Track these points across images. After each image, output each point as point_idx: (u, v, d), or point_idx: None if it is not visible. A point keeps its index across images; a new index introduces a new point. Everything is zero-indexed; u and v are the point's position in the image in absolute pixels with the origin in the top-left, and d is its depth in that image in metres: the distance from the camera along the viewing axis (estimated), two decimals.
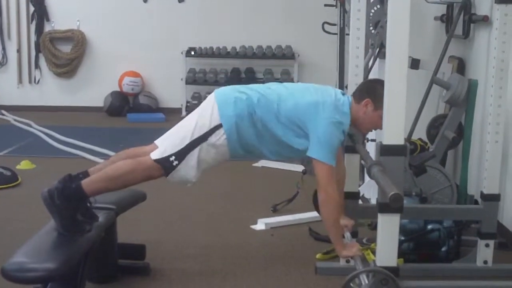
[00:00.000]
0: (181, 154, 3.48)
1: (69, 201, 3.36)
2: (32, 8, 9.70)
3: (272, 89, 3.64)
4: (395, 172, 2.83)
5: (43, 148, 7.29)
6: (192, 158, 3.49)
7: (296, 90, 3.65)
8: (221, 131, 3.50)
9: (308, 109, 3.51)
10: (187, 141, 3.49)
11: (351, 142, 3.76)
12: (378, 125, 3.56)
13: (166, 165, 3.48)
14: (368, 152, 3.54)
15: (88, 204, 3.47)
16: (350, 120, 3.55)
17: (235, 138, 3.53)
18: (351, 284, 3.06)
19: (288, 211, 5.02)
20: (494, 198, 3.77)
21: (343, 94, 3.65)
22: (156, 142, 3.62)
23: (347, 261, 3.86)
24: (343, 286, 3.04)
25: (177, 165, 3.48)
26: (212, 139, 3.50)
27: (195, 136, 3.49)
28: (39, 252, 3.14)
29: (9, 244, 3.78)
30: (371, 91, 3.55)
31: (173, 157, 3.48)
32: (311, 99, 3.54)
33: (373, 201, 4.55)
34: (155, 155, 3.50)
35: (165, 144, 3.54)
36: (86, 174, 3.51)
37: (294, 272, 3.98)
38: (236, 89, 3.65)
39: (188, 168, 3.50)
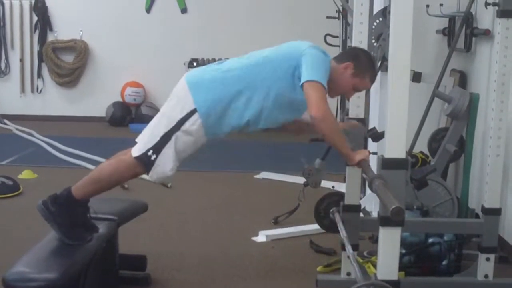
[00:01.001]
0: (158, 147, 3.39)
1: (63, 207, 3.39)
2: (35, 18, 9.73)
3: (251, 57, 3.56)
4: (396, 185, 2.82)
5: (45, 158, 7.30)
6: (169, 149, 3.38)
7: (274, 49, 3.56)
8: (195, 116, 3.37)
9: (293, 52, 3.41)
10: (161, 133, 3.40)
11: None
12: (348, 94, 3.55)
13: (145, 161, 3.40)
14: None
15: (88, 215, 3.48)
16: None
17: (213, 121, 3.39)
18: None
19: (289, 223, 5.02)
20: (495, 212, 3.76)
21: None
22: (137, 139, 3.55)
23: (348, 274, 3.85)
24: None
25: (155, 159, 3.39)
26: (187, 125, 3.37)
27: (170, 126, 3.39)
28: (40, 262, 3.14)
29: (10, 253, 3.78)
30: (356, 58, 3.46)
31: (151, 151, 3.40)
32: (292, 45, 3.49)
33: (374, 214, 4.55)
34: (135, 151, 3.45)
35: (143, 139, 3.47)
36: None
37: (295, 284, 3.98)
38: (210, 69, 3.53)
39: (166, 161, 3.40)
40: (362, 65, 3.43)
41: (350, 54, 3.54)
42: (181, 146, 3.41)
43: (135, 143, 3.52)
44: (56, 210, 3.38)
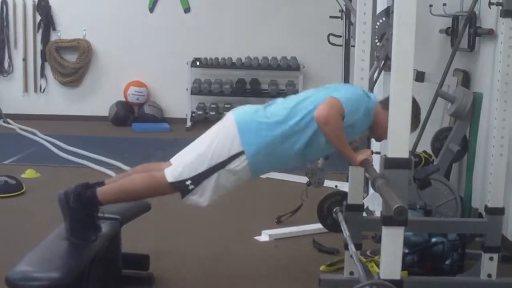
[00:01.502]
0: (198, 179, 3.39)
1: (82, 206, 3.39)
2: (38, 17, 9.74)
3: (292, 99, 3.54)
4: (399, 185, 2.82)
5: (48, 157, 7.31)
6: (209, 183, 3.39)
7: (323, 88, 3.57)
8: (242, 157, 3.37)
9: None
10: (204, 167, 3.38)
11: None
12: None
13: (181, 188, 3.41)
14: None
15: (95, 214, 3.48)
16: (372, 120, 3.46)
17: (260, 160, 3.41)
18: None
19: (292, 222, 5.01)
20: (498, 212, 3.76)
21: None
22: (172, 160, 3.53)
23: (351, 273, 3.85)
24: None
25: (193, 189, 3.40)
26: (232, 165, 3.38)
27: (213, 163, 3.37)
28: (43, 261, 3.15)
29: (13, 252, 3.79)
30: None
31: (189, 181, 3.39)
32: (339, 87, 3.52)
33: (378, 214, 4.55)
34: (170, 176, 3.41)
35: (182, 166, 3.43)
36: (102, 184, 3.53)
37: (298, 283, 3.98)
38: (256, 111, 3.50)
39: (204, 193, 3.42)
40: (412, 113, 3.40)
41: None
42: (223, 182, 3.43)
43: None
44: (75, 207, 3.38)
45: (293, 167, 3.64)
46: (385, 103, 3.44)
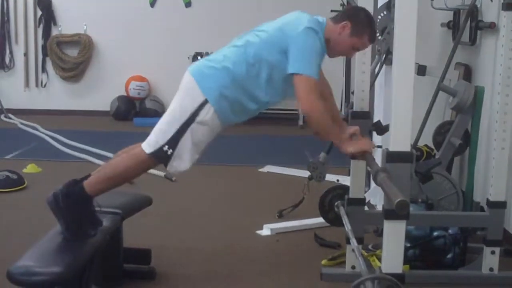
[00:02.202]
0: (173, 141, 3.39)
1: (74, 204, 3.37)
2: (39, 12, 9.73)
3: (245, 38, 3.58)
4: (401, 179, 2.82)
5: (49, 152, 7.31)
6: (185, 142, 3.39)
7: (268, 24, 3.59)
8: (207, 106, 3.39)
9: (284, 29, 3.41)
10: (176, 127, 3.40)
11: None
12: (348, 53, 3.54)
13: (161, 156, 3.41)
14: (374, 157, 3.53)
15: (92, 209, 3.47)
16: (324, 38, 3.41)
17: (225, 106, 3.42)
18: None
19: (294, 216, 5.01)
20: (500, 205, 3.76)
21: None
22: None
23: (353, 268, 3.85)
24: None
25: (172, 153, 3.39)
26: (201, 116, 3.39)
27: (183, 120, 3.39)
28: (45, 256, 3.15)
29: (15, 247, 3.79)
30: (354, 16, 3.44)
31: (166, 146, 3.39)
32: (285, 20, 3.48)
33: (379, 207, 4.55)
34: (147, 147, 3.43)
35: (155, 135, 3.45)
36: (88, 177, 3.51)
37: (300, 278, 3.98)
38: (209, 59, 3.56)
39: (184, 154, 3.41)
40: (360, 24, 3.39)
41: (347, 13, 3.51)
42: (198, 137, 3.42)
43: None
44: (66, 206, 3.35)
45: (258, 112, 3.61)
46: (336, 17, 3.50)
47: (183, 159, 3.42)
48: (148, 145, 3.44)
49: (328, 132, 3.40)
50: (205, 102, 3.39)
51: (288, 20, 3.47)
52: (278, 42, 3.39)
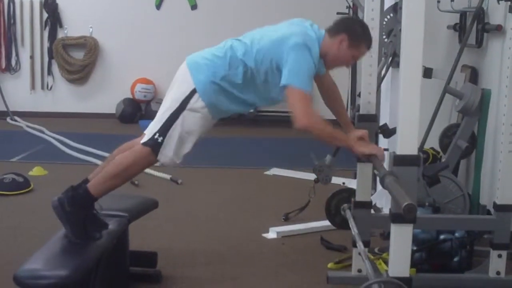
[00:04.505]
0: (164, 129, 3.42)
1: (79, 208, 3.37)
2: (45, 15, 9.76)
3: (243, 39, 3.58)
4: (408, 182, 2.81)
5: (55, 155, 7.31)
6: (175, 130, 3.42)
7: (268, 30, 3.59)
8: (197, 95, 3.44)
9: (277, 44, 3.42)
10: (167, 115, 3.44)
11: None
12: (347, 64, 3.57)
13: (152, 144, 3.43)
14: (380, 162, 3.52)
15: (95, 212, 3.47)
16: (320, 52, 3.45)
17: (213, 98, 3.46)
18: None
19: (300, 219, 5.01)
20: (507, 209, 3.74)
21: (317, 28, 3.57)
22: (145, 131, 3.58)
23: (359, 271, 3.84)
24: None
25: (162, 141, 3.41)
26: (191, 104, 3.43)
27: (174, 107, 3.43)
28: (51, 259, 3.15)
29: (21, 250, 3.80)
30: (349, 28, 3.47)
31: (157, 134, 3.42)
32: (280, 34, 3.48)
33: (386, 211, 4.54)
34: (144, 139, 3.48)
35: (151, 126, 3.51)
36: (86, 181, 3.51)
37: (306, 281, 3.97)
38: (207, 52, 3.58)
39: (175, 141, 3.43)
40: (356, 34, 3.43)
41: (342, 26, 3.52)
42: (190, 125, 3.45)
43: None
44: (71, 210, 3.36)
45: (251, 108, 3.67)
46: (331, 30, 3.52)
47: (173, 148, 3.44)
48: (145, 138, 3.48)
49: (333, 139, 3.47)
50: (194, 91, 3.44)
51: (283, 32, 3.49)
52: (271, 54, 3.43)
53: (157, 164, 3.52)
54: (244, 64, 3.46)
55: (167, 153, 3.45)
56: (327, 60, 3.53)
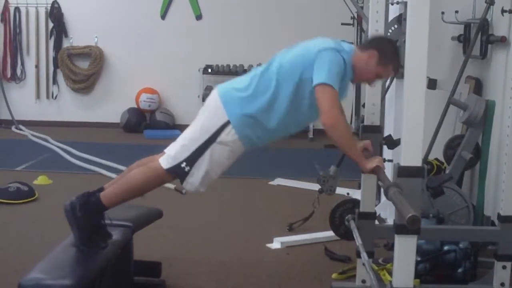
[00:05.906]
0: (192, 159, 3.41)
1: (89, 215, 3.39)
2: (51, 24, 9.80)
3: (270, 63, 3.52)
4: (412, 193, 2.81)
5: (60, 164, 7.33)
6: (204, 161, 3.41)
7: (294, 48, 3.55)
8: (229, 127, 3.40)
9: (307, 53, 3.40)
10: (196, 145, 3.41)
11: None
12: (371, 81, 3.55)
13: (178, 172, 3.43)
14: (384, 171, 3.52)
15: (103, 222, 3.48)
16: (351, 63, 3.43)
17: (247, 131, 3.43)
18: None
19: (304, 230, 5.01)
20: (511, 220, 3.74)
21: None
22: (165, 150, 3.54)
23: (363, 281, 3.84)
24: None
25: (189, 170, 3.41)
26: (222, 137, 3.40)
27: (204, 138, 3.40)
28: (56, 268, 3.15)
29: (26, 259, 3.80)
30: (381, 46, 3.46)
31: (184, 163, 3.41)
32: (308, 46, 3.46)
33: (390, 221, 4.54)
34: (165, 163, 3.45)
35: (175, 151, 3.47)
36: (102, 190, 3.53)
37: None
38: (236, 81, 3.54)
39: (202, 172, 3.42)
40: (387, 54, 3.42)
41: (375, 43, 3.52)
42: (217, 158, 3.43)
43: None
44: (82, 216, 3.38)
45: (288, 136, 3.62)
46: (363, 45, 3.53)
47: (200, 178, 3.44)
48: (167, 161, 3.46)
49: (350, 147, 3.38)
50: (227, 123, 3.40)
51: (314, 42, 3.48)
52: (302, 62, 3.39)
53: (182, 191, 3.50)
54: (273, 86, 3.41)
55: (193, 182, 3.46)
56: (355, 73, 3.48)
